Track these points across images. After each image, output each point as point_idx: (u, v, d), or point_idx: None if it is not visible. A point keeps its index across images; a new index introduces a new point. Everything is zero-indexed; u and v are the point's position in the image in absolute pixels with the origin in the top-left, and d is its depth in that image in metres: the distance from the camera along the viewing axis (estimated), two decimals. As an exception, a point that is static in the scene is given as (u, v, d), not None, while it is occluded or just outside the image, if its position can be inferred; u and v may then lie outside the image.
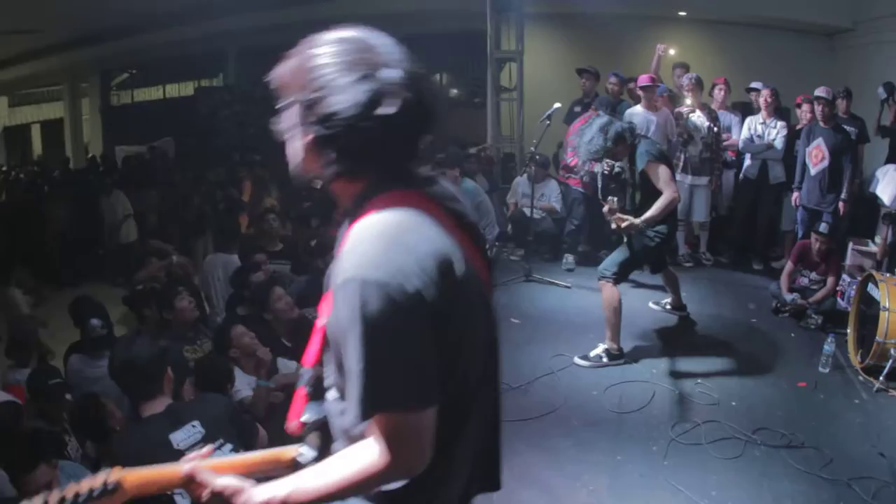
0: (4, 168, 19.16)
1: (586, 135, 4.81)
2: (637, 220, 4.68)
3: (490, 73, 9.58)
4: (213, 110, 15.22)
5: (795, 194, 6.58)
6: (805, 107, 6.72)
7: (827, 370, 4.74)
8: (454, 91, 13.95)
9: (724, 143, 7.02)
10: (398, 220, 1.30)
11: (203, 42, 15.03)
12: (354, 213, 1.37)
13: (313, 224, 7.36)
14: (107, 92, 19.24)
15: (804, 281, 5.83)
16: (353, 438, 1.39)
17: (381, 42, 1.35)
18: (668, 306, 5.79)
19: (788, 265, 5.93)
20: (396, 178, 1.37)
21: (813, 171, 6.36)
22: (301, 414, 1.55)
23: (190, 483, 1.42)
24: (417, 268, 1.25)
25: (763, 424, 4.01)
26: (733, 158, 7.22)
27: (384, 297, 1.21)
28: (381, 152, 1.32)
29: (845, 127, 6.43)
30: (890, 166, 6.42)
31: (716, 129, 6.73)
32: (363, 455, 1.33)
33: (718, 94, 7.16)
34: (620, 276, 4.86)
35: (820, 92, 6.28)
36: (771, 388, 4.56)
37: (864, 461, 3.69)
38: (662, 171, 4.71)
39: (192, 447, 2.34)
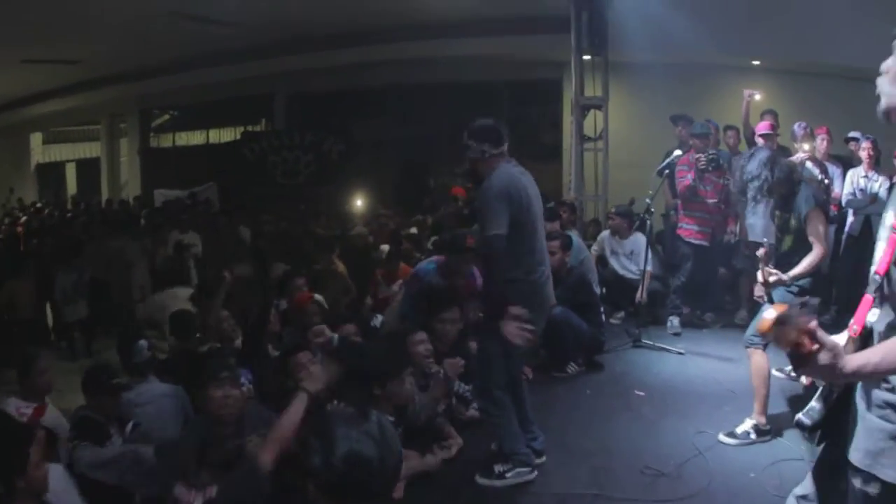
0: (39, 205, 19.01)
1: (749, 164, 4.58)
2: (784, 276, 4.35)
3: (574, 121, 9.14)
4: (261, 156, 14.97)
5: (905, 247, 6.26)
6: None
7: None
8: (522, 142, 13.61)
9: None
10: None
11: (249, 84, 14.74)
12: None
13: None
14: (146, 133, 18.89)
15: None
16: None
17: None
18: (793, 373, 5.41)
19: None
20: None
21: (921, 221, 6.05)
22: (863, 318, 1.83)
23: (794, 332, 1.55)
24: None
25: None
26: (835, 213, 6.89)
27: None
28: None
29: None
30: None
31: (826, 181, 6.46)
32: None
33: (821, 144, 6.88)
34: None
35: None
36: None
37: None
38: (822, 223, 4.41)
39: None
